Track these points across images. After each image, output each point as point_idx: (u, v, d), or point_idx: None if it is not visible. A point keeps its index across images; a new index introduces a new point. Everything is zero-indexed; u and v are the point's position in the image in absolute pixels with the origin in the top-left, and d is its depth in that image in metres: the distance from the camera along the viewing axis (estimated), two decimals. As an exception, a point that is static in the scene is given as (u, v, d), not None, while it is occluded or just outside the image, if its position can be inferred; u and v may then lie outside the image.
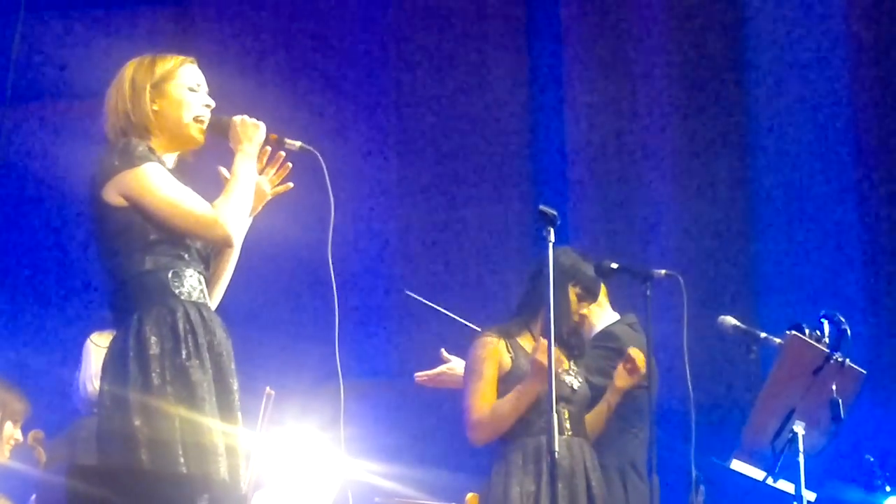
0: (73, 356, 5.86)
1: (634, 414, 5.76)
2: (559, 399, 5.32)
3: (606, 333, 5.88)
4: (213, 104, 4.36)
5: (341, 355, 7.78)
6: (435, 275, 8.12)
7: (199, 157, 4.39)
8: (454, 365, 6.01)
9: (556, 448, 4.88)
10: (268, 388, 5.62)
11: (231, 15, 8.36)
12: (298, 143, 4.44)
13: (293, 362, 7.39)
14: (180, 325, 4.14)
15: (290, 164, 4.49)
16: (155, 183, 4.15)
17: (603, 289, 5.86)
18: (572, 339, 5.60)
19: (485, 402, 5.48)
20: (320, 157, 4.41)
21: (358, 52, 8.34)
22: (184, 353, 4.13)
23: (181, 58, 4.37)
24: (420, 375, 6.08)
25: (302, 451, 5.79)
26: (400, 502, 6.31)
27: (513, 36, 8.36)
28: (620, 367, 5.60)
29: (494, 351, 5.55)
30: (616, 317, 5.96)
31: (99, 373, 5.37)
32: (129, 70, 4.32)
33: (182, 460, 4.04)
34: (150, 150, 4.21)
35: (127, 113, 4.25)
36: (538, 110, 8.31)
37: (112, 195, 4.16)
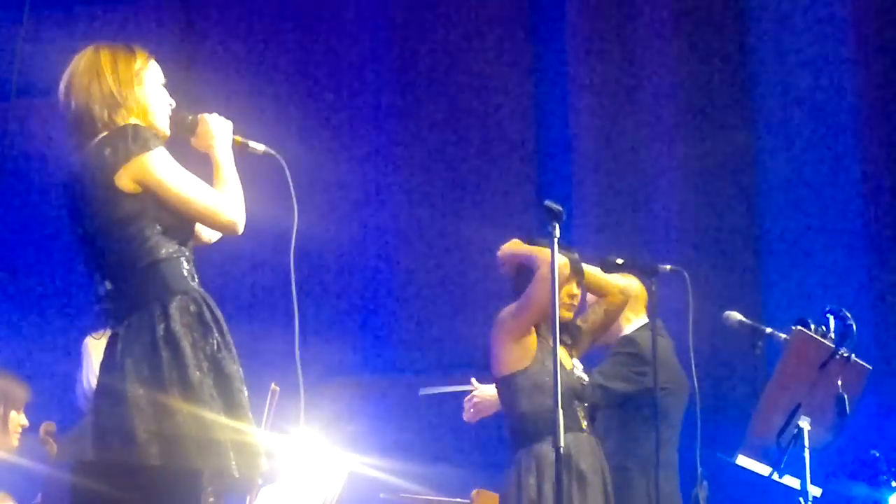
0: (77, 353, 5.86)
1: (659, 416, 5.75)
2: (574, 396, 5.29)
3: (627, 338, 5.84)
4: (174, 103, 4.31)
5: (348, 352, 7.82)
6: (439, 271, 8.12)
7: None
8: (483, 391, 5.95)
9: (563, 444, 4.87)
10: (273, 385, 5.63)
11: (233, 14, 8.37)
12: (262, 147, 4.40)
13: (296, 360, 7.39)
14: (206, 315, 4.09)
15: None
16: (169, 169, 4.10)
17: (642, 292, 5.80)
18: (562, 331, 5.51)
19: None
20: (283, 162, 4.37)
21: (361, 49, 8.35)
22: (214, 344, 4.07)
23: (147, 52, 4.30)
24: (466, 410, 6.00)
25: (306, 447, 5.79)
26: (406, 498, 6.32)
27: (517, 34, 8.36)
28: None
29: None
30: (645, 321, 5.91)
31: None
32: (104, 56, 4.21)
33: (231, 454, 3.99)
34: (155, 135, 4.16)
35: (114, 95, 4.15)
36: (542, 107, 8.31)
37: (126, 181, 4.08)
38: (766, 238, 7.99)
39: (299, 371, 4.35)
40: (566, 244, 5.45)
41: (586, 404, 5.37)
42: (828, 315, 5.30)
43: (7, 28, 7.72)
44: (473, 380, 5.94)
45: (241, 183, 4.24)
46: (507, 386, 5.40)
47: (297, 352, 4.35)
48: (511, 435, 5.40)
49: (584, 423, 5.32)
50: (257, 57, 8.27)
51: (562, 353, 5.37)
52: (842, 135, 7.89)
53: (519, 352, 5.36)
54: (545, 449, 5.17)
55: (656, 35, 8.14)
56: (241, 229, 4.19)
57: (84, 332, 5.80)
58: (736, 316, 5.53)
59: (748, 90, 8.13)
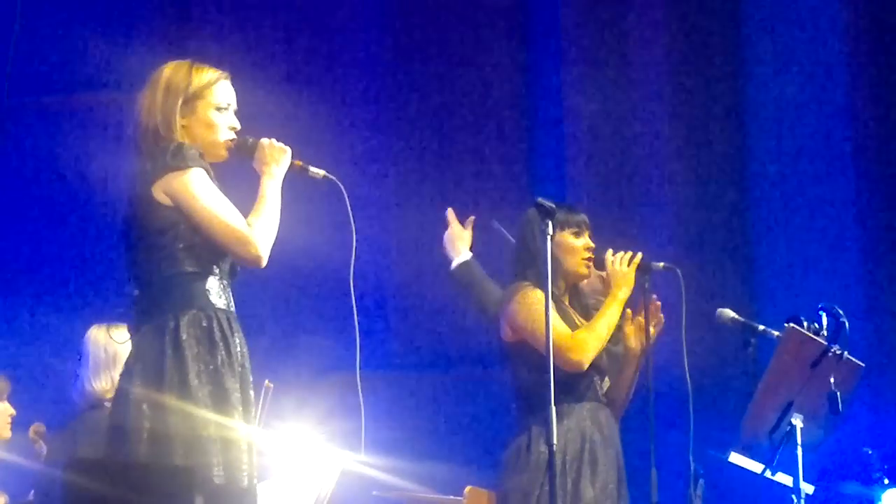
0: (71, 350, 5.87)
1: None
2: (593, 370, 5.24)
3: None
4: (238, 126, 4.40)
5: (339, 348, 7.81)
6: (433, 267, 8.12)
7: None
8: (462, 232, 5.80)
9: (579, 414, 4.98)
10: (267, 382, 5.64)
11: (230, 11, 8.36)
12: (322, 172, 4.51)
13: (291, 357, 7.40)
14: (216, 332, 4.20)
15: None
16: (201, 190, 4.20)
17: None
18: (575, 298, 5.43)
19: (566, 328, 5.17)
20: (342, 187, 4.45)
21: (355, 54, 8.35)
22: (219, 359, 4.18)
23: (217, 73, 4.40)
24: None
25: (300, 445, 5.79)
26: (398, 495, 6.32)
27: (511, 33, 8.36)
28: (634, 327, 5.36)
29: (540, 295, 5.08)
30: None
31: (103, 365, 5.45)
32: (164, 74, 4.35)
33: (215, 460, 4.10)
34: (201, 154, 4.25)
35: (157, 119, 4.29)
36: (536, 105, 8.31)
37: (161, 193, 4.20)
38: (759, 235, 7.99)
39: (358, 376, 4.38)
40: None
41: (603, 372, 5.29)
42: (820, 312, 5.29)
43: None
44: (450, 210, 5.82)
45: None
46: (518, 352, 5.26)
47: (358, 360, 4.40)
48: (520, 402, 5.26)
49: (602, 392, 5.27)
50: (252, 51, 8.27)
51: (577, 317, 5.33)
52: (835, 131, 7.90)
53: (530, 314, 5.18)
54: (558, 416, 4.84)
55: (651, 37, 8.15)
56: (263, 264, 4.29)
57: (78, 329, 5.80)
58: (729, 313, 5.52)
59: (741, 89, 8.14)
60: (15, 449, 5.84)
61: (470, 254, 5.75)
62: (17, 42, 7.52)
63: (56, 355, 6.98)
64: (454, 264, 5.74)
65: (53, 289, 7.90)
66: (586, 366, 5.18)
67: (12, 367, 6.75)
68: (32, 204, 8.00)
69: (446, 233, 5.80)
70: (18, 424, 5.90)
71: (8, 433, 5.85)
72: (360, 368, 4.48)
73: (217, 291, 4.25)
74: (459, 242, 5.77)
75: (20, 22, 7.47)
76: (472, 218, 5.83)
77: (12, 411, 5.88)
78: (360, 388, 4.48)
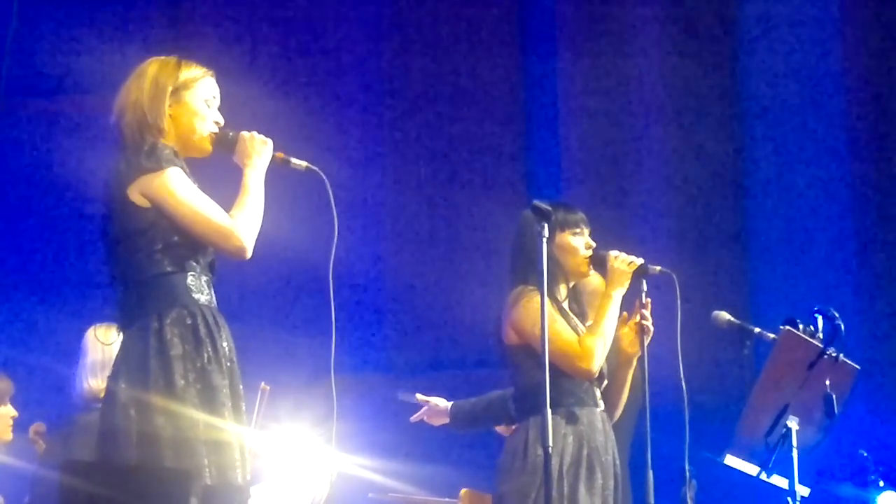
0: (67, 352, 5.86)
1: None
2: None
3: None
4: (222, 122, 4.40)
5: (337, 352, 7.82)
6: (430, 272, 8.13)
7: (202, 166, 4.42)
8: (436, 401, 5.97)
9: (578, 419, 5.03)
10: (262, 384, 5.64)
11: (224, 10, 8.37)
12: (304, 164, 4.49)
13: (287, 359, 7.40)
14: (201, 329, 4.19)
15: None
16: (179, 188, 4.20)
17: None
18: (573, 303, 5.39)
19: (574, 335, 5.14)
20: (324, 178, 4.44)
21: (352, 52, 8.35)
22: (205, 356, 4.18)
23: (204, 70, 4.41)
24: (414, 418, 6.07)
25: (296, 447, 5.80)
26: (394, 498, 6.32)
27: (507, 37, 8.37)
28: (627, 331, 5.33)
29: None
30: None
31: (99, 366, 5.45)
32: (151, 67, 4.35)
33: (206, 461, 4.09)
34: (175, 153, 4.25)
35: (143, 110, 4.27)
36: (532, 110, 8.32)
37: (137, 195, 4.20)
38: (755, 238, 8.00)
39: (332, 378, 4.38)
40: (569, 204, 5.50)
41: (602, 376, 5.26)
42: (816, 315, 5.30)
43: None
44: (417, 395, 5.96)
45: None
46: (520, 355, 5.22)
47: (332, 363, 4.39)
48: (519, 403, 5.23)
49: (599, 397, 5.24)
50: (248, 51, 8.27)
51: (576, 320, 5.31)
52: (829, 134, 7.91)
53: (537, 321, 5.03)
54: (556, 419, 4.97)
55: (646, 42, 8.15)
56: (248, 255, 4.28)
57: (75, 331, 5.80)
58: (724, 316, 5.52)
59: (736, 93, 8.15)
60: (15, 451, 5.84)
61: (448, 403, 5.90)
62: (13, 43, 7.53)
63: (55, 355, 6.98)
64: (450, 422, 5.90)
65: (52, 289, 7.91)
66: (597, 372, 5.16)
67: (12, 367, 6.76)
68: (30, 204, 8.00)
69: (425, 417, 5.93)
70: (18, 426, 5.89)
71: (9, 435, 5.84)
72: (333, 367, 4.49)
73: (199, 287, 4.24)
74: (438, 412, 5.90)
75: (16, 24, 7.47)
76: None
77: (14, 413, 5.87)
78: (333, 384, 4.48)
